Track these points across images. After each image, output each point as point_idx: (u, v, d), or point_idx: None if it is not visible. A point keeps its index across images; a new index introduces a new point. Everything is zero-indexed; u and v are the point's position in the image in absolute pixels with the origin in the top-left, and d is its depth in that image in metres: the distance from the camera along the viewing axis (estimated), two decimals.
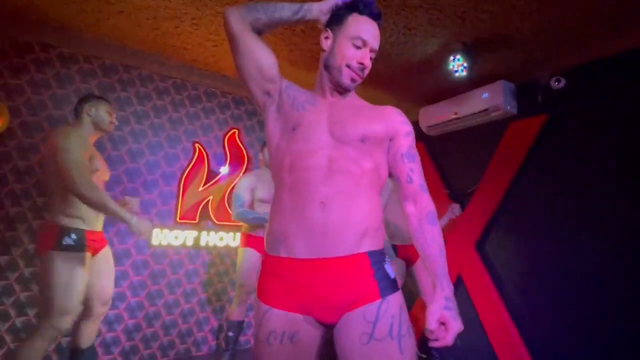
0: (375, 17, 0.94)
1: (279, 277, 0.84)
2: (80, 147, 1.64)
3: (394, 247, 2.23)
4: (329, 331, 0.85)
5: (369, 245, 0.83)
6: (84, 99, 1.83)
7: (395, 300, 0.82)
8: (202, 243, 2.70)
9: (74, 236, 1.63)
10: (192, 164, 2.68)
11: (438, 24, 2.03)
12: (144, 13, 2.08)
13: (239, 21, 0.90)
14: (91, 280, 1.72)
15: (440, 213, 2.70)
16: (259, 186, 2.27)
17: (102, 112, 1.81)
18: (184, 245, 2.64)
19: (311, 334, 0.82)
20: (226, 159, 2.85)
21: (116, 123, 1.88)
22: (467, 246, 2.60)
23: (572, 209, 2.12)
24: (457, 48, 2.21)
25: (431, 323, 0.73)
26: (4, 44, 2.14)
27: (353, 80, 0.93)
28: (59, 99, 2.33)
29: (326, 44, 0.96)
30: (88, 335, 1.80)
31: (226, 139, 2.84)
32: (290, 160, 0.87)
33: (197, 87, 2.84)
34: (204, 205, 2.72)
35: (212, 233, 2.74)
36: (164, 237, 2.56)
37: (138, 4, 1.99)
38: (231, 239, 2.80)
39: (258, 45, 0.93)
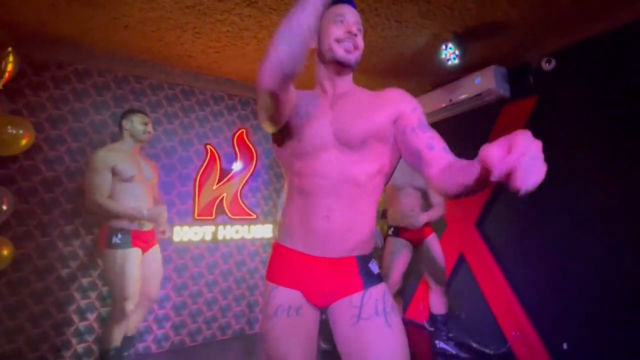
0: (346, 1, 0.98)
1: (285, 262, 0.96)
2: (103, 165, 1.98)
3: (397, 229, 2.47)
4: (322, 312, 0.98)
5: (357, 252, 0.95)
6: (122, 115, 2.15)
7: (378, 289, 0.92)
8: (220, 237, 2.90)
9: (120, 235, 1.96)
10: (205, 165, 2.85)
11: (428, 16, 2.12)
12: (148, 25, 2.22)
13: (278, 89, 0.79)
14: (145, 273, 2.06)
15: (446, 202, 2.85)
16: None
17: (136, 125, 2.10)
18: (203, 240, 2.84)
19: (311, 312, 0.94)
20: (236, 157, 3.01)
21: (151, 132, 2.16)
22: (467, 225, 2.74)
23: (563, 186, 2.24)
24: (448, 37, 2.30)
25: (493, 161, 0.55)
26: (23, 64, 2.29)
27: (347, 51, 0.93)
28: (78, 113, 2.50)
29: (314, 41, 0.97)
30: (133, 324, 2.12)
31: (235, 139, 3.00)
32: (299, 165, 0.94)
33: (204, 92, 2.98)
34: (219, 201, 2.90)
35: (228, 227, 2.94)
36: (184, 233, 2.76)
37: (141, 17, 2.12)
38: (246, 232, 2.99)
39: (290, 102, 0.91)
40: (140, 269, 2.00)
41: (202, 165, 2.85)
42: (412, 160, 0.91)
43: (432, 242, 2.46)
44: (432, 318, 2.60)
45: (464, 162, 0.76)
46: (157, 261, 2.15)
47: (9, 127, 2.08)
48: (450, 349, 2.49)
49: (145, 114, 2.21)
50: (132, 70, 2.68)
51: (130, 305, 1.93)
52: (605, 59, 2.12)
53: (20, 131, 2.12)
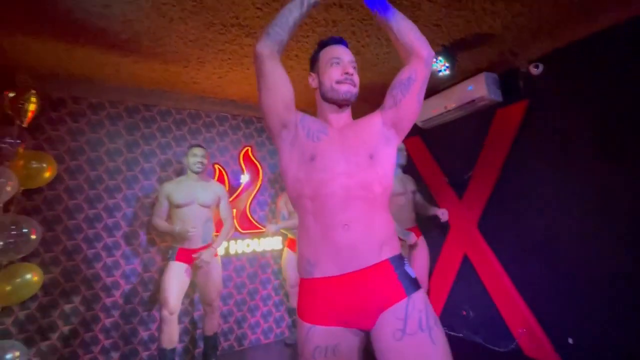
0: (338, 41, 1.12)
1: (316, 296, 0.92)
2: (161, 195, 2.43)
3: None
4: (367, 337, 0.92)
5: (388, 252, 0.94)
6: (187, 151, 2.55)
7: (419, 296, 0.90)
8: (232, 251, 3.03)
9: (170, 252, 2.40)
10: None
11: None
12: (156, 59, 2.38)
13: (269, 56, 0.98)
14: (200, 282, 2.43)
15: (443, 200, 2.95)
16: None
17: (190, 158, 2.47)
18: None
19: (350, 344, 0.90)
20: (243, 172, 3.15)
21: (202, 162, 2.47)
22: (469, 227, 2.83)
23: (558, 185, 2.32)
24: (437, 50, 2.41)
25: None
26: (42, 101, 2.46)
27: (349, 90, 1.06)
28: (94, 143, 2.67)
29: (315, 82, 1.13)
30: (208, 326, 2.51)
31: (241, 157, 3.14)
32: (312, 189, 0.97)
33: (209, 114, 3.14)
34: None
35: (239, 241, 3.07)
36: None
37: (149, 53, 2.29)
38: (257, 245, 3.12)
39: (283, 79, 1.01)
40: (183, 281, 2.32)
41: None
42: (405, 90, 1.04)
43: (421, 243, 2.63)
44: None
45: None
46: (211, 271, 2.44)
47: (33, 162, 2.25)
48: None
49: (200, 146, 2.53)
50: (142, 99, 2.85)
51: (165, 311, 2.21)
52: (590, 61, 2.21)
53: (44, 165, 2.29)
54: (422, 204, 2.74)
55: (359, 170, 0.98)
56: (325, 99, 1.09)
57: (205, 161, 2.49)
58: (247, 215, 3.11)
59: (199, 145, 2.53)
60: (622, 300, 2.00)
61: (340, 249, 0.91)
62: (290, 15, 1.01)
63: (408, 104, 1.04)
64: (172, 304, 2.21)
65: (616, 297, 2.02)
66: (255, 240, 3.13)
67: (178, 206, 2.37)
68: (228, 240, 3.01)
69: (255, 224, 3.13)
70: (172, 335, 2.21)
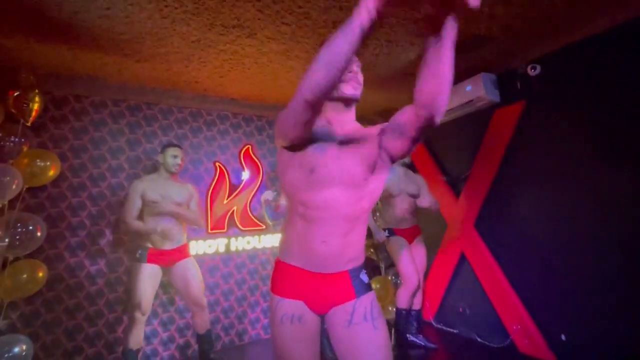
0: None
1: (287, 276, 1.11)
2: (133, 192, 2.34)
3: (391, 230, 2.80)
4: (321, 319, 1.12)
5: (351, 266, 1.10)
6: (161, 149, 2.49)
7: (368, 297, 1.09)
8: (232, 248, 3.08)
9: (140, 252, 2.31)
10: (215, 181, 3.03)
11: (415, 34, 2.26)
12: (158, 59, 2.40)
13: (313, 112, 0.90)
14: (178, 285, 2.41)
15: (441, 198, 2.99)
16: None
17: (167, 158, 2.43)
18: (217, 252, 3.02)
19: (312, 317, 1.08)
20: (243, 169, 3.19)
21: (179, 163, 2.44)
22: (467, 226, 2.88)
23: (554, 184, 2.36)
24: None
25: None
26: (45, 100, 2.49)
27: (354, 88, 1.07)
28: (97, 141, 2.71)
29: None
30: (199, 325, 2.49)
31: (242, 155, 3.18)
32: (305, 198, 1.04)
33: (211, 112, 3.17)
34: (230, 215, 3.08)
35: (239, 238, 3.12)
36: (199, 247, 2.94)
37: (151, 53, 2.31)
38: (257, 242, 3.17)
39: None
40: (155, 283, 2.31)
41: (212, 182, 3.03)
42: (401, 133, 1.00)
43: (419, 242, 2.77)
44: (397, 311, 2.75)
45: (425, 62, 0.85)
46: (190, 271, 2.43)
47: (37, 160, 2.29)
48: (420, 341, 2.71)
49: (179, 146, 2.49)
50: (144, 97, 2.88)
51: (138, 313, 2.21)
52: (586, 63, 2.24)
53: (48, 163, 2.33)
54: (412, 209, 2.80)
55: (353, 190, 1.04)
56: (330, 97, 1.07)
57: (181, 161, 2.46)
58: (247, 212, 3.15)
59: (177, 146, 2.49)
60: (614, 297, 2.05)
61: (315, 257, 1.07)
62: (336, 48, 0.79)
63: (407, 145, 1.03)
64: (145, 305, 2.23)
65: (608, 295, 2.07)
66: (256, 237, 3.17)
67: (153, 202, 2.31)
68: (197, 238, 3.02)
69: (256, 221, 3.18)
70: (139, 337, 2.26)
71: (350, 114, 1.14)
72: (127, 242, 2.71)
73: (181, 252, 2.43)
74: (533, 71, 2.47)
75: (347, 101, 1.10)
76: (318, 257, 1.07)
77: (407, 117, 0.98)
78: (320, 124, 1.08)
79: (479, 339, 2.77)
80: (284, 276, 1.12)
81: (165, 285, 2.76)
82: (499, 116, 2.71)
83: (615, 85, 2.10)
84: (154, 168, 2.79)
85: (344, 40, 0.77)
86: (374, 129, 1.11)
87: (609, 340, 2.05)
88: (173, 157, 2.42)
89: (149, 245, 2.33)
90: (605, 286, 2.08)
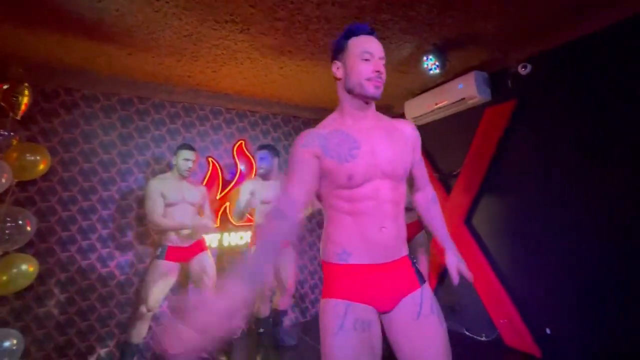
0: (370, 32, 1.07)
1: (350, 278, 1.03)
2: (154, 192, 2.37)
3: None
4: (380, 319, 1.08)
5: (405, 250, 1.11)
6: (175, 150, 2.52)
7: (427, 287, 1.10)
8: (225, 244, 3.08)
9: (160, 250, 2.37)
10: (208, 177, 3.03)
11: (409, 31, 2.27)
12: (149, 53, 2.38)
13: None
14: (196, 277, 2.49)
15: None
16: (259, 189, 2.71)
17: (179, 160, 2.46)
18: (209, 247, 3.02)
19: (377, 322, 1.03)
20: (237, 167, 3.19)
21: (190, 167, 2.45)
22: (457, 223, 2.91)
23: (542, 182, 2.41)
24: (428, 49, 2.45)
25: (453, 272, 1.13)
26: (34, 93, 2.46)
27: (377, 87, 1.03)
28: (88, 135, 2.69)
29: (339, 72, 1.08)
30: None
31: (235, 150, 3.17)
32: (349, 193, 1.04)
33: (203, 107, 3.16)
34: (223, 210, 3.08)
35: (232, 233, 3.12)
36: None
37: (143, 46, 2.29)
38: (249, 237, 3.18)
39: (311, 181, 1.06)
40: (168, 281, 2.37)
41: (205, 177, 3.03)
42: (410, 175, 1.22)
43: (422, 236, 2.69)
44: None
45: (436, 227, 1.24)
46: (206, 264, 2.51)
47: (27, 154, 2.27)
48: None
49: (190, 148, 2.49)
50: (136, 91, 2.85)
51: (144, 308, 2.26)
52: (577, 63, 2.27)
53: (38, 157, 2.31)
54: None
55: (391, 178, 1.07)
56: (351, 93, 1.07)
57: (193, 163, 2.49)
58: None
59: (191, 148, 2.49)
60: (597, 292, 2.10)
61: (376, 245, 1.04)
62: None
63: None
64: (152, 301, 2.27)
65: (591, 290, 2.13)
66: (249, 232, 3.18)
67: (169, 204, 2.39)
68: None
69: (249, 216, 3.18)
70: (142, 331, 2.31)
71: (371, 111, 1.13)
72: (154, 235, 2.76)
73: (199, 246, 2.53)
74: (524, 70, 2.50)
75: (368, 100, 1.08)
76: (379, 245, 1.04)
77: (418, 196, 1.29)
78: (340, 136, 1.06)
79: (467, 333, 2.83)
80: (345, 277, 1.04)
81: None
82: (490, 114, 2.74)
83: (604, 84, 2.13)
84: (165, 168, 2.88)
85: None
86: (410, 131, 1.18)
87: (592, 334, 2.12)
88: (185, 161, 2.44)
89: (167, 243, 2.40)
90: (589, 281, 2.14)
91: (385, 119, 1.16)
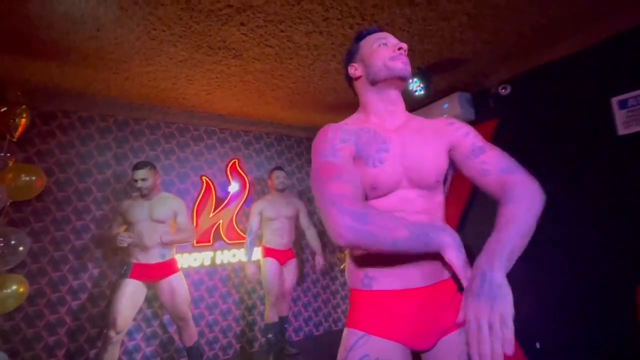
0: (376, 30, 1.00)
1: (376, 308, 0.87)
2: (115, 212, 2.47)
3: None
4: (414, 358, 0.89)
5: (449, 271, 0.89)
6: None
7: None
8: (218, 261, 3.10)
9: (125, 268, 2.33)
10: (201, 195, 3.08)
11: (406, 31, 2.35)
12: (146, 77, 2.48)
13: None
14: (164, 301, 2.39)
15: None
16: (267, 208, 2.86)
17: (131, 180, 2.42)
18: (202, 265, 3.04)
19: None
20: (230, 183, 3.25)
21: (140, 187, 2.39)
22: None
23: None
24: (413, 72, 2.58)
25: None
26: (32, 115, 2.52)
27: (404, 63, 0.93)
28: (83, 156, 2.74)
29: (359, 70, 0.98)
30: (186, 338, 2.48)
31: (228, 169, 3.24)
32: (375, 204, 0.89)
33: (198, 127, 3.24)
34: (215, 228, 3.12)
35: (225, 251, 3.14)
36: (184, 260, 2.96)
37: (139, 71, 2.39)
38: (242, 255, 3.20)
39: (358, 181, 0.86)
40: (136, 300, 2.30)
41: (198, 196, 3.08)
42: (472, 181, 0.94)
43: None
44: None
45: (500, 222, 0.82)
46: (176, 288, 2.37)
47: (23, 175, 2.31)
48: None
49: (139, 167, 2.37)
50: (132, 113, 2.93)
51: (112, 332, 2.15)
52: (554, 84, 2.40)
53: (33, 178, 2.35)
54: None
55: (421, 188, 0.91)
56: (376, 81, 0.94)
57: (149, 181, 2.36)
58: (233, 225, 3.19)
59: (140, 167, 2.36)
60: (587, 306, 2.15)
61: (408, 266, 0.86)
62: (402, 246, 0.74)
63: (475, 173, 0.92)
64: (120, 323, 2.16)
65: (582, 304, 2.17)
66: (242, 250, 3.20)
67: (131, 223, 2.34)
68: (182, 251, 3.06)
69: (241, 234, 3.21)
70: (113, 357, 2.20)
71: (401, 108, 0.99)
72: (112, 256, 2.71)
73: (167, 268, 2.39)
74: (504, 91, 2.63)
75: (398, 82, 0.94)
76: (412, 265, 0.86)
77: (489, 178, 0.87)
78: (369, 135, 0.92)
79: None
80: (367, 307, 0.88)
81: (150, 300, 2.76)
82: None
83: (580, 104, 2.25)
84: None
85: (408, 246, 0.74)
86: (442, 127, 0.97)
87: (581, 349, 2.14)
88: (134, 181, 2.37)
89: (133, 261, 2.34)
90: (580, 295, 2.19)
91: (417, 118, 1.00)
